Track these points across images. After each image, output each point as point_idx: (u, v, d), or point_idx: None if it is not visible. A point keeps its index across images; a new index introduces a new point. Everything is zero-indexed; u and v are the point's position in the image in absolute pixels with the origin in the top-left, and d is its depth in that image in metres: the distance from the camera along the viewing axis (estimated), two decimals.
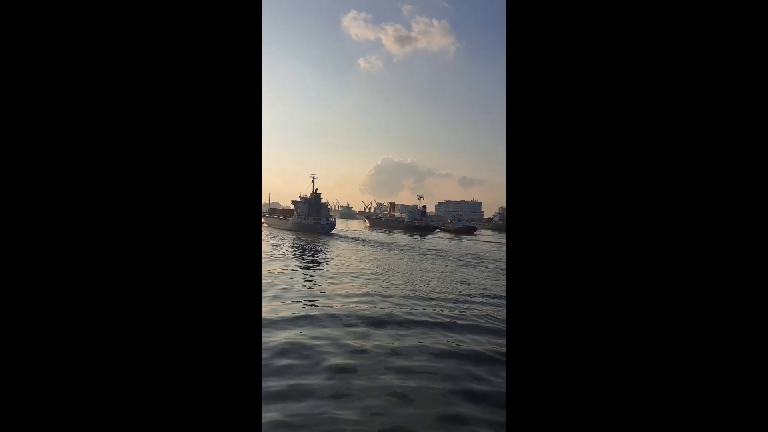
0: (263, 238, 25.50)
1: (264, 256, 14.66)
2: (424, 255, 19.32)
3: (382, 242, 27.34)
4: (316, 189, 40.15)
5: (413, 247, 23.85)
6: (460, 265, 15.58)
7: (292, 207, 40.65)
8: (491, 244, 31.54)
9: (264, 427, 3.08)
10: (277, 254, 16.27)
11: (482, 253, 22.01)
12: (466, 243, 32.19)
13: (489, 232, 66.92)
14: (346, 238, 30.18)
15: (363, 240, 28.79)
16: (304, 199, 39.36)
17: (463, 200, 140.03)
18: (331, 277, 11.01)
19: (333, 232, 35.98)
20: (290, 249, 19.17)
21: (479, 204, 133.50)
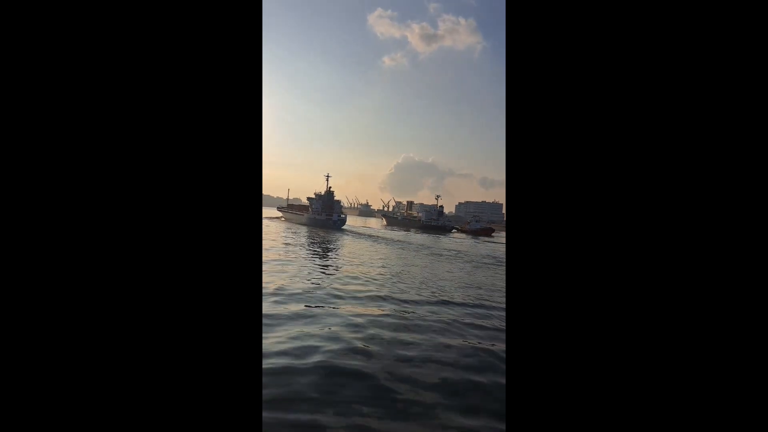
0: (282, 231, 27.28)
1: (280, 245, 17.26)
2: (438, 255, 18.81)
3: (395, 240, 26.93)
4: (330, 187, 42.61)
5: (430, 247, 23.43)
6: (477, 268, 14.98)
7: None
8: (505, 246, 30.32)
9: None
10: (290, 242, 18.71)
11: (494, 254, 21.20)
12: (482, 244, 31.25)
13: None
14: (357, 234, 29.97)
15: (374, 236, 28.50)
16: (318, 196, 41.54)
17: (484, 201, 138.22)
18: (325, 266, 10.74)
19: (344, 227, 37.82)
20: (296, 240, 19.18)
21: (500, 206, 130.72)
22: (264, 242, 15.80)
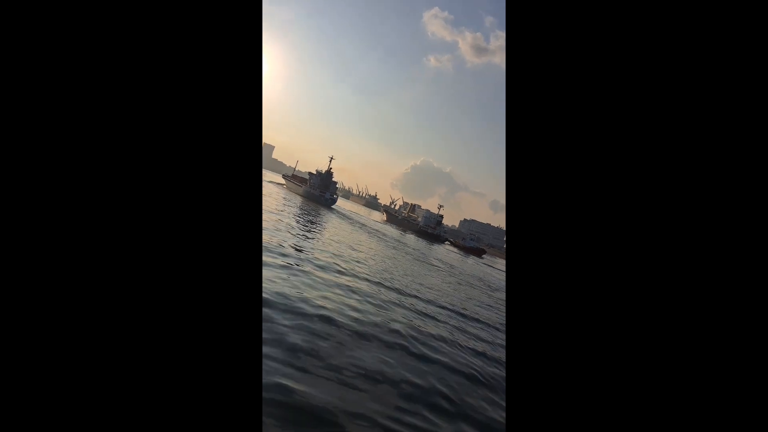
0: (282, 197, 28.51)
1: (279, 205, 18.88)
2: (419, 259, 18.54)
3: (381, 233, 26.68)
4: (330, 168, 45.86)
5: (422, 252, 23.05)
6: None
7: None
8: (490, 268, 29.93)
9: None
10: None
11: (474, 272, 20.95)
12: (465, 258, 30.85)
13: (503, 261, 63.83)
14: (344, 216, 29.78)
15: (359, 223, 28.25)
16: (318, 173, 45.29)
17: (490, 224, 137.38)
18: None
19: (334, 207, 41.04)
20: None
21: (504, 232, 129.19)
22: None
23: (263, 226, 10.35)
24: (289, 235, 11.53)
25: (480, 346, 6.18)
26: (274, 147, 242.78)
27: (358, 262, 10.72)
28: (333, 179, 44.63)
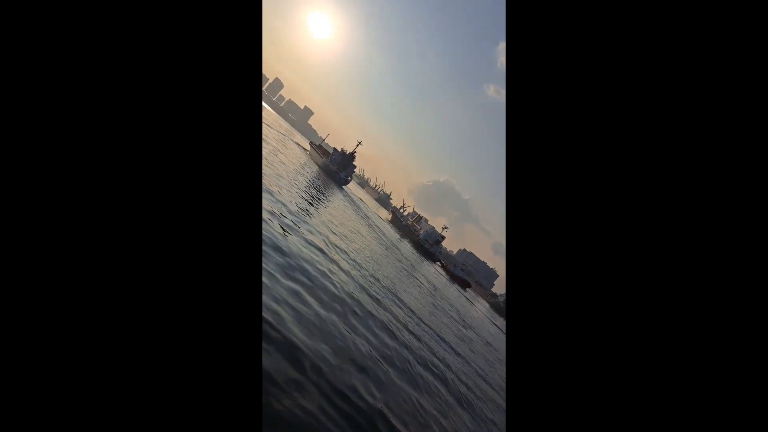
0: (303, 163, 28.91)
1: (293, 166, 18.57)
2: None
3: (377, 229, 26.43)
4: (355, 151, 46.80)
5: (411, 264, 22.80)
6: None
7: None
8: (470, 304, 29.44)
9: None
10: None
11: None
12: (453, 290, 30.47)
13: (485, 303, 62.73)
14: (353, 202, 29.51)
15: (365, 217, 28.06)
16: (342, 151, 46.43)
17: (486, 263, 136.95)
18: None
19: (344, 188, 43.05)
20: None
21: (495, 276, 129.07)
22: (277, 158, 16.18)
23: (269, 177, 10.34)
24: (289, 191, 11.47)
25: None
26: (313, 113, 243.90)
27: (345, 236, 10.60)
28: (354, 162, 45.44)
